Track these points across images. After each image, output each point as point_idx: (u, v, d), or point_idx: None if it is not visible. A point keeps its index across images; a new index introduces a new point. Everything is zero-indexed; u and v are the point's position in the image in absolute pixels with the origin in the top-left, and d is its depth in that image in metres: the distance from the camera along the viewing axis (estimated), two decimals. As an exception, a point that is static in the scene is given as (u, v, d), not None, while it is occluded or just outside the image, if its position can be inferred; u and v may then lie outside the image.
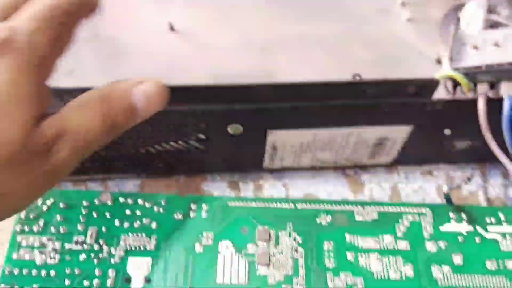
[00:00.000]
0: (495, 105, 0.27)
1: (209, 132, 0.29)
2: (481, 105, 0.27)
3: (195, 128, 0.28)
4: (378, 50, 0.33)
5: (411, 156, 0.33)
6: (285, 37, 0.33)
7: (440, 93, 0.28)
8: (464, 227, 0.28)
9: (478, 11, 0.30)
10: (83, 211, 0.28)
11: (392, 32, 0.34)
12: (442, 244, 0.27)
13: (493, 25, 0.29)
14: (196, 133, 0.29)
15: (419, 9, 0.35)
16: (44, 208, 0.27)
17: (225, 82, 0.26)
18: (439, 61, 0.33)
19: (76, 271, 0.26)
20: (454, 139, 0.31)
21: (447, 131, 0.31)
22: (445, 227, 0.28)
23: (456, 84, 0.28)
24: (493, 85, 0.27)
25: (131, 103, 0.20)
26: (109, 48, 0.33)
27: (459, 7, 0.33)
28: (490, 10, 0.30)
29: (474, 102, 0.27)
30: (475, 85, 0.27)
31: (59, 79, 0.22)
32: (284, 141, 0.30)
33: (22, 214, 0.27)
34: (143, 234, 0.27)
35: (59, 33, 0.19)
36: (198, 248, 0.27)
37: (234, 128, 0.28)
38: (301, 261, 0.27)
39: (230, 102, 0.27)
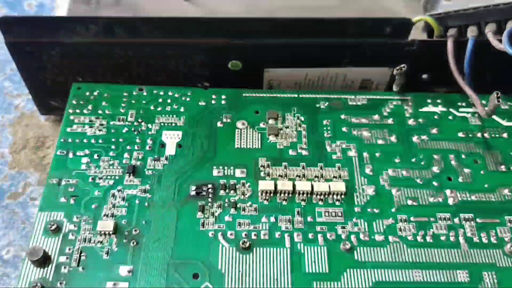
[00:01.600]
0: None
1: (212, 68, 0.35)
2: (450, 45, 0.33)
3: (200, 62, 0.34)
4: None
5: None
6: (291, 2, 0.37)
7: (415, 35, 0.34)
8: (439, 109, 0.34)
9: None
10: (124, 99, 0.33)
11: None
12: (421, 120, 0.33)
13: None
14: (200, 68, 0.34)
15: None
16: (91, 97, 0.33)
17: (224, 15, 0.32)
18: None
19: (120, 140, 0.31)
20: (432, 85, 0.36)
21: (424, 76, 0.36)
22: (424, 109, 0.34)
23: (431, 29, 0.34)
24: (461, 31, 0.33)
25: None
26: (130, 13, 0.39)
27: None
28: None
29: (445, 43, 0.33)
30: (446, 29, 0.33)
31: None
32: (278, 80, 0.36)
33: (74, 100, 0.33)
34: (174, 115, 0.33)
35: None
36: (219, 124, 0.32)
37: (233, 64, 0.34)
38: (304, 133, 0.32)
39: (230, 37, 0.33)
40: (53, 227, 0.27)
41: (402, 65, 0.31)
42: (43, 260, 0.26)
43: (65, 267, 0.26)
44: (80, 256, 0.27)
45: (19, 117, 0.40)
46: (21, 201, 0.35)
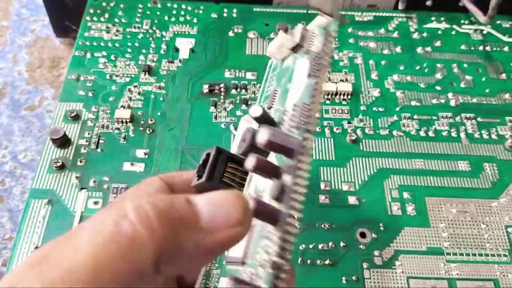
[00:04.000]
0: None
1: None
2: None
3: None
4: None
5: None
6: None
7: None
8: (443, 25, 0.35)
9: None
10: (139, 10, 0.35)
11: None
12: (425, 34, 0.34)
13: None
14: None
15: None
16: (108, 7, 0.35)
17: None
18: None
19: (136, 44, 0.33)
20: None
21: (428, 3, 0.37)
22: (428, 25, 0.35)
23: None
24: None
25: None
26: None
27: None
28: None
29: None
30: None
31: None
32: (288, 1, 0.37)
33: (91, 9, 0.34)
34: (187, 25, 0.34)
35: None
36: (231, 34, 0.34)
37: None
38: (312, 42, 0.33)
39: None
40: (73, 114, 0.29)
41: (407, -24, 0.32)
42: (64, 142, 0.28)
43: (84, 149, 0.28)
44: (98, 140, 0.28)
45: (35, 40, 0.41)
46: (37, 112, 0.37)
